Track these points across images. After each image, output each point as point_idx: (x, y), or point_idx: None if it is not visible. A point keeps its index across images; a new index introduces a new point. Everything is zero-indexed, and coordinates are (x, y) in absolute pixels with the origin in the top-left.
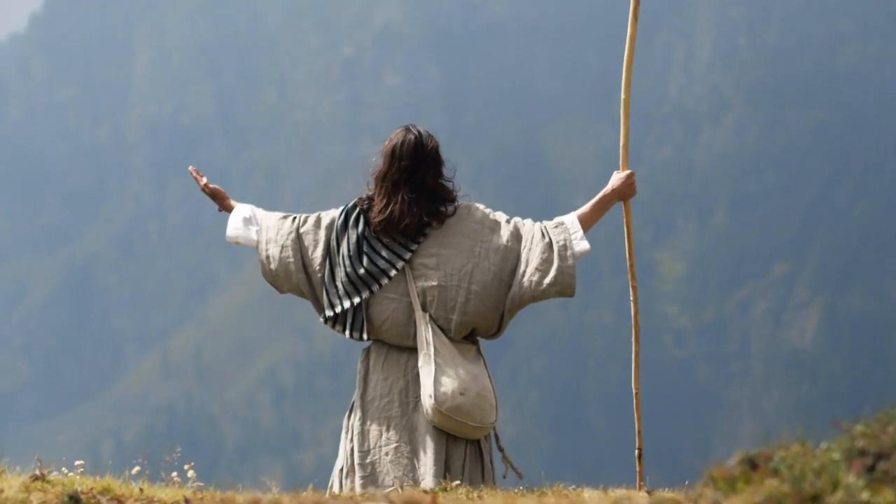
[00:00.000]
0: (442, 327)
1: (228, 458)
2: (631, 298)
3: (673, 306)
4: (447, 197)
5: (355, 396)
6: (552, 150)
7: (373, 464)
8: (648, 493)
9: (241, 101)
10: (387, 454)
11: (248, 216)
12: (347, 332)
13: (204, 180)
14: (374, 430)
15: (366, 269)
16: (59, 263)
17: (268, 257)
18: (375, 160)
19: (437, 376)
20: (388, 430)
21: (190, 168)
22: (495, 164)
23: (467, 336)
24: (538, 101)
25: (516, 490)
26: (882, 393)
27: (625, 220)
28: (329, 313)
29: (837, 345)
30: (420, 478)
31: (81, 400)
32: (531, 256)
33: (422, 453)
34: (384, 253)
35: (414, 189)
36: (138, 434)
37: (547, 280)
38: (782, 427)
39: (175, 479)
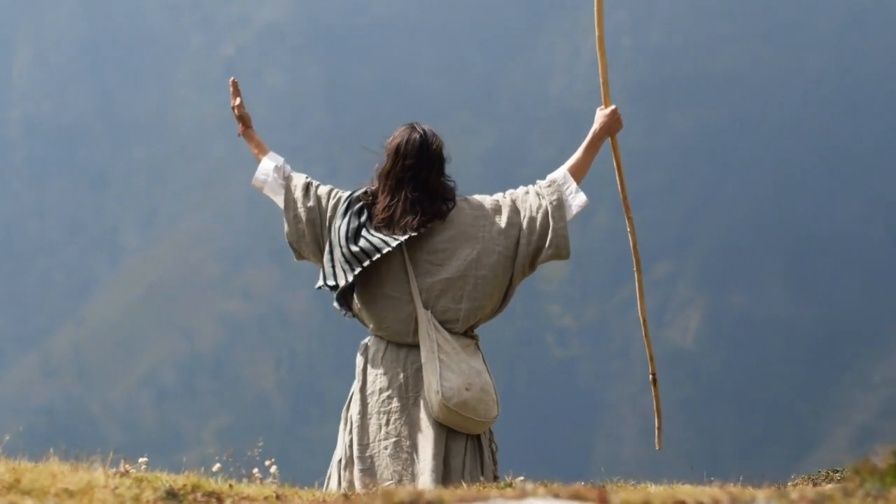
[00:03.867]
0: (448, 320)
1: (109, 459)
2: (628, 230)
3: (555, 306)
4: (448, 195)
5: (354, 389)
6: None
7: (372, 457)
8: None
9: (123, 100)
10: (386, 448)
11: (279, 165)
12: (339, 307)
13: (238, 100)
14: (373, 423)
15: (360, 248)
16: None
17: (295, 216)
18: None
19: (442, 372)
20: (387, 424)
21: (231, 80)
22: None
23: (467, 330)
24: (421, 100)
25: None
26: (763, 392)
27: (613, 154)
28: (320, 283)
29: (719, 344)
30: (419, 473)
31: None
32: (532, 225)
33: (421, 448)
34: (381, 234)
35: (417, 188)
36: (18, 435)
37: (544, 245)
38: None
39: (256, 475)
